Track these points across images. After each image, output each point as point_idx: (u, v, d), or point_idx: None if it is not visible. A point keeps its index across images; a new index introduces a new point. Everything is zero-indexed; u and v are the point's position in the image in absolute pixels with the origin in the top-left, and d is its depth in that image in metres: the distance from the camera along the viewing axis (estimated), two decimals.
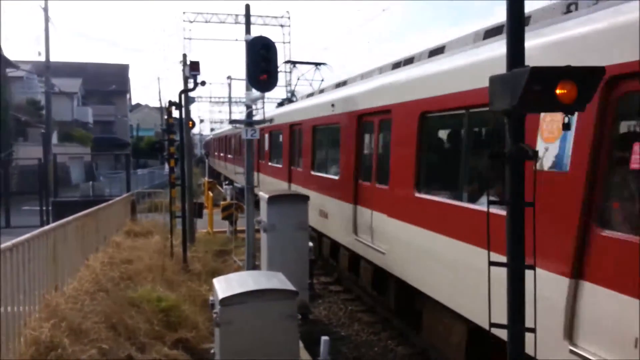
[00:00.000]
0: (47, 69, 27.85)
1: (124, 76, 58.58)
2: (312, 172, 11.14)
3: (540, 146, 4.51)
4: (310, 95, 14.17)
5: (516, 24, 3.56)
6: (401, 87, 7.19)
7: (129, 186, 20.77)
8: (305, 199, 8.65)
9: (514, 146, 3.69)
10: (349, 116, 9.00)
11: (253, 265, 8.67)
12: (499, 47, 5.06)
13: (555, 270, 4.17)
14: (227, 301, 4.86)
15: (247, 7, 8.93)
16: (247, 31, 8.80)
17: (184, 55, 13.77)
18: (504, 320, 3.23)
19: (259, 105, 8.78)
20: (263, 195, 8.49)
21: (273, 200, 8.26)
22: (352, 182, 8.68)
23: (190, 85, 11.46)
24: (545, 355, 4.10)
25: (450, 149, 6.59)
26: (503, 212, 3.31)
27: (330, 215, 7.61)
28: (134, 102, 73.59)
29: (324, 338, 7.04)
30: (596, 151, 3.96)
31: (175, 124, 11.61)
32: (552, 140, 4.38)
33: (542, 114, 4.55)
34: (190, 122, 13.84)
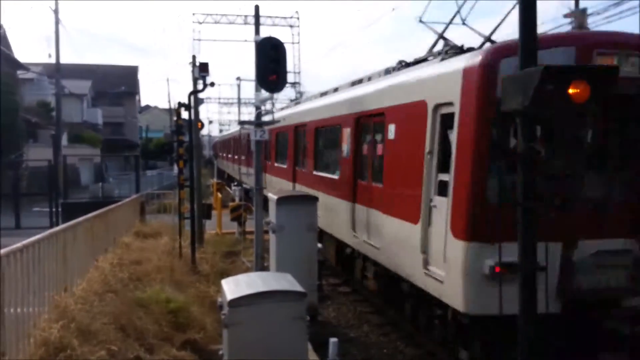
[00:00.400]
0: (58, 71, 28.10)
1: (134, 78, 58.90)
2: (275, 164, 16.59)
3: (344, 147, 9.62)
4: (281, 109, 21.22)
5: (529, 24, 3.52)
6: (308, 112, 13.01)
7: (138, 187, 20.86)
8: (314, 200, 8.63)
9: (525, 146, 3.63)
10: (289, 127, 14.31)
11: (262, 266, 8.64)
12: (327, 99, 11.81)
13: (349, 200, 9.10)
14: (235, 302, 4.83)
15: (257, 8, 8.93)
16: (257, 32, 8.80)
17: (194, 57, 13.80)
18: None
19: (268, 106, 8.79)
20: (272, 196, 8.47)
21: (282, 201, 8.24)
22: (292, 168, 14.09)
23: (200, 86, 11.49)
24: (346, 238, 9.50)
25: (323, 147, 11.82)
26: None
27: (283, 188, 13.44)
28: (143, 104, 74.04)
29: (333, 339, 6.98)
30: (355, 147, 9.08)
31: (184, 125, 11.64)
32: (346, 143, 9.52)
33: (346, 129, 9.51)
34: (200, 124, 13.87)
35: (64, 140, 32.50)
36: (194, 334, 6.45)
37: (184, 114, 11.59)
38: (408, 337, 7.85)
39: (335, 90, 11.74)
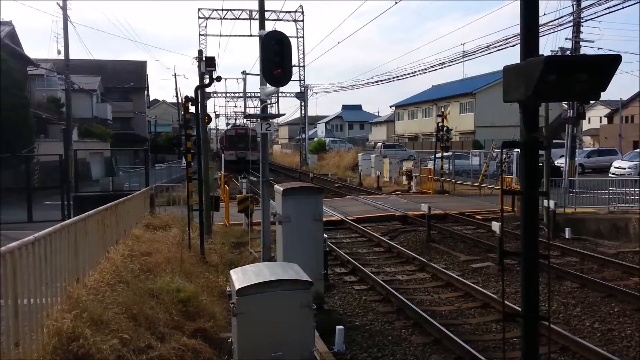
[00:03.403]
0: (67, 67, 28.28)
1: (142, 73, 59.09)
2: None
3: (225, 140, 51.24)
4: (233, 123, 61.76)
5: (530, 12, 3.53)
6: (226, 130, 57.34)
7: (148, 180, 21.01)
8: (319, 191, 8.71)
9: (528, 136, 3.67)
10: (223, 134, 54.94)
11: (269, 256, 8.76)
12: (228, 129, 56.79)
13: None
14: (243, 291, 4.93)
15: (261, 2, 8.97)
16: (261, 26, 8.85)
17: (200, 52, 13.88)
18: None
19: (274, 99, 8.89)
20: (278, 188, 8.57)
21: (288, 192, 8.32)
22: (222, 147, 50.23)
23: (206, 80, 11.56)
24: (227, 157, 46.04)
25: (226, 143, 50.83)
26: None
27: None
28: (151, 98, 74.25)
29: (339, 327, 7.10)
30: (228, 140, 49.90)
31: (192, 119, 11.73)
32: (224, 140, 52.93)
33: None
34: (207, 117, 13.97)
35: (75, 135, 32.78)
36: (204, 322, 6.54)
37: (191, 108, 11.69)
38: (413, 326, 7.95)
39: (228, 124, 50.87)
